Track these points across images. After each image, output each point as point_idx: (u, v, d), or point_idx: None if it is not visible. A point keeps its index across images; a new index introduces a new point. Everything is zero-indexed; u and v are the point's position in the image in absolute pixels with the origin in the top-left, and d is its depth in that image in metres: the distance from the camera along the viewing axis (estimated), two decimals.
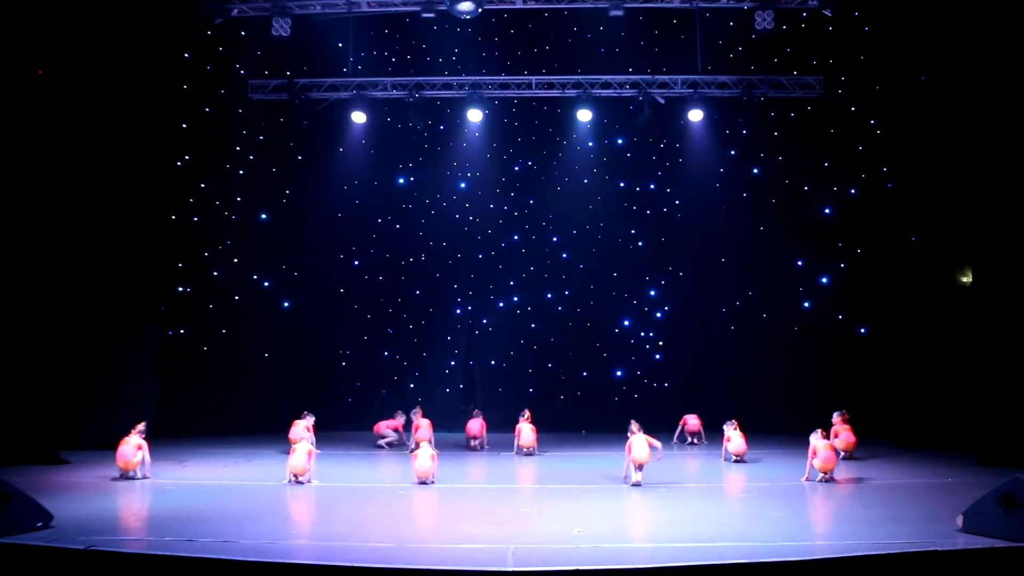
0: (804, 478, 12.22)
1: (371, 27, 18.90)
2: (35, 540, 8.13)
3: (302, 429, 14.69)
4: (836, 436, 14.17)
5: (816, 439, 12.25)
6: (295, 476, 12.09)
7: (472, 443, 16.31)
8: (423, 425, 15.23)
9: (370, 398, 19.47)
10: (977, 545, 7.99)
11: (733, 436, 14.25)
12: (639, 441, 11.95)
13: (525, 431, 15.51)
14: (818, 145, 19.01)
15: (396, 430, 16.47)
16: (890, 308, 17.40)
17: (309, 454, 12.30)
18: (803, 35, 18.63)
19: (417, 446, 13.29)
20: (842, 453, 14.22)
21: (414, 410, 16.07)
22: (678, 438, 16.72)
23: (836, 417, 14.56)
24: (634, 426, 12.23)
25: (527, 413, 15.87)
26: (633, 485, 11.77)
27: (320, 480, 12.24)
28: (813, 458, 12.16)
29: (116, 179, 15.82)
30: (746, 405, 16.88)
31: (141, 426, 12.64)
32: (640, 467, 11.86)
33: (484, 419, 16.59)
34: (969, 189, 14.98)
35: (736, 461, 14.07)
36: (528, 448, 15.41)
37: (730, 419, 14.52)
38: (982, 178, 14.56)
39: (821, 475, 12.11)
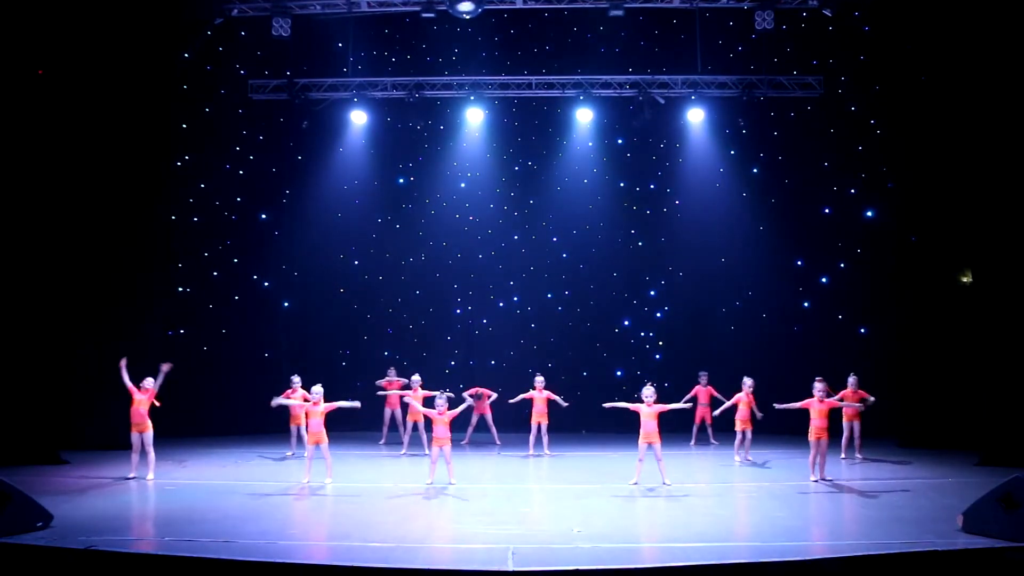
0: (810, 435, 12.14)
1: (371, 27, 18.85)
2: (35, 540, 8.13)
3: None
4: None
5: (815, 393, 12.18)
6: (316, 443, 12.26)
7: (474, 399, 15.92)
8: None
9: (370, 398, 19.40)
10: (977, 545, 7.99)
11: (742, 406, 14.10)
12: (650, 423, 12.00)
13: (537, 404, 15.04)
14: (818, 145, 18.98)
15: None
16: (890, 308, 17.38)
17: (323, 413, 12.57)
18: (803, 35, 18.58)
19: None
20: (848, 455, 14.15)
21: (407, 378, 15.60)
22: (686, 401, 16.32)
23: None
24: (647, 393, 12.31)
25: (540, 379, 15.23)
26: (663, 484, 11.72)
27: (319, 480, 12.24)
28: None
29: (116, 180, 15.79)
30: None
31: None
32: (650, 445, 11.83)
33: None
34: (969, 189, 14.96)
35: (741, 430, 14.04)
36: (539, 422, 14.93)
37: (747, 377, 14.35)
38: (982, 178, 14.54)
39: (815, 447, 11.97)
